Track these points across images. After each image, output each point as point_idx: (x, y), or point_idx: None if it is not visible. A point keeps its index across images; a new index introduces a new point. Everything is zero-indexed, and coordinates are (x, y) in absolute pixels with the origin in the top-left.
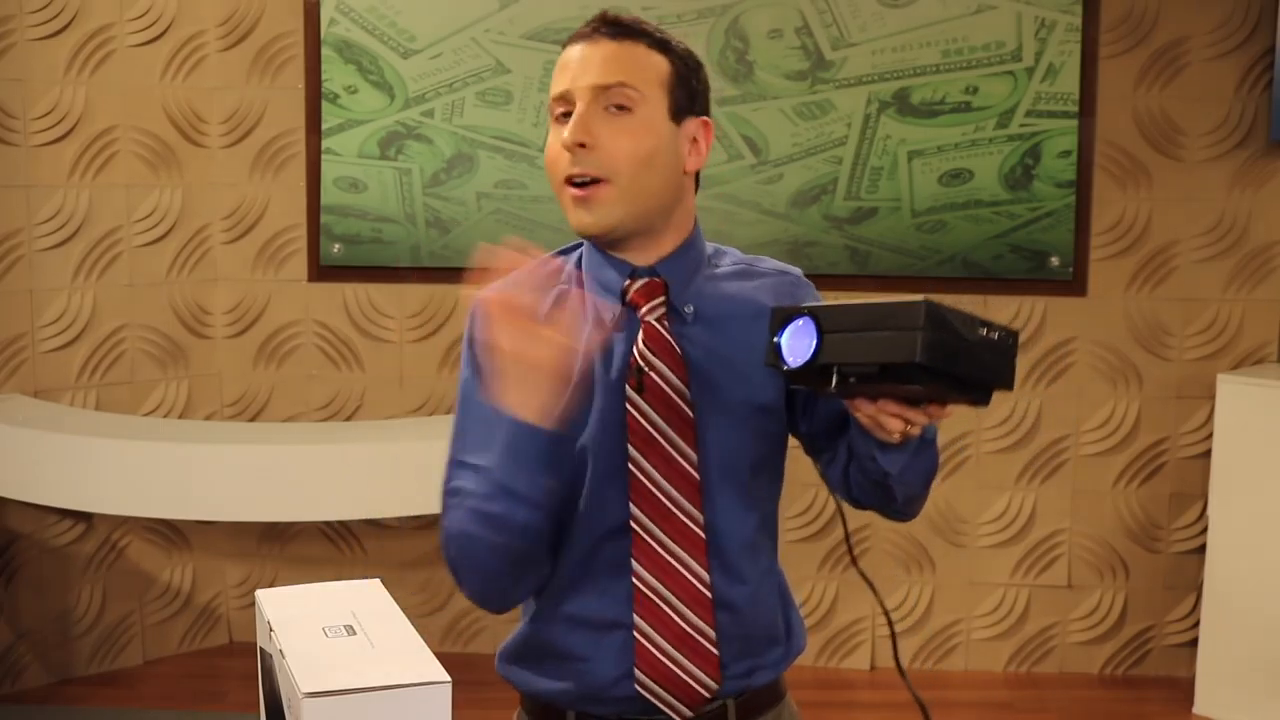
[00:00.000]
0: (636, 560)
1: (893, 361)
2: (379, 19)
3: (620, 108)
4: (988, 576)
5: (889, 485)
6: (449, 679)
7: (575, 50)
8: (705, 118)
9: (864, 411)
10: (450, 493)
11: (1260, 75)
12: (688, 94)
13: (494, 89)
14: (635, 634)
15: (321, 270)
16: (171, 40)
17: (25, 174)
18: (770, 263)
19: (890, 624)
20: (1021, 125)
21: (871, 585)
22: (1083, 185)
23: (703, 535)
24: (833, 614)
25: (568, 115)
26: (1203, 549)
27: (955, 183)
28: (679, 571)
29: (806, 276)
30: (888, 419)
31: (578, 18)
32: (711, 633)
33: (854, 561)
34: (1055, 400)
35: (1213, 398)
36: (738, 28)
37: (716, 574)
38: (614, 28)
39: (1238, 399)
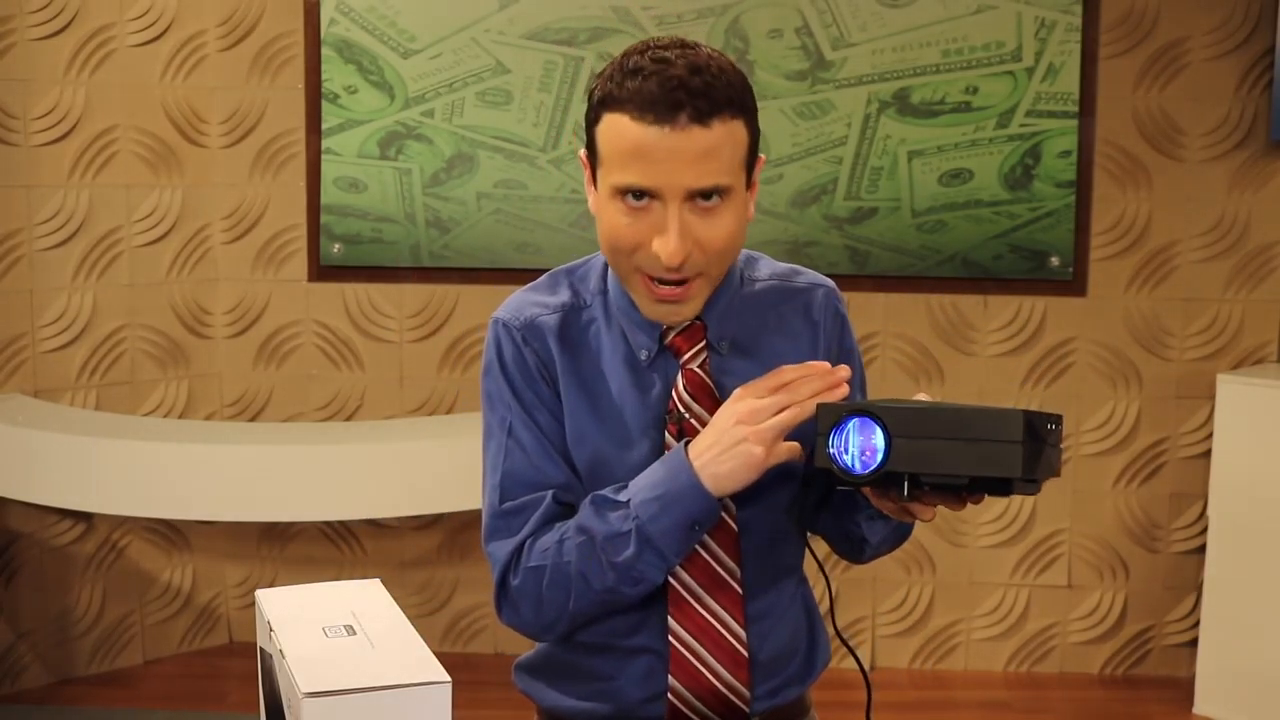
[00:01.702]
0: (673, 618)
1: (988, 475)
2: (379, 19)
3: (708, 196)
4: (988, 576)
5: (862, 547)
6: (449, 679)
7: (653, 134)
8: (761, 155)
9: (902, 503)
10: (540, 520)
11: (1260, 75)
12: (755, 149)
13: (494, 89)
14: (669, 694)
15: (321, 270)
16: (171, 40)
17: (25, 174)
18: (807, 276)
19: (868, 687)
20: (1021, 125)
21: (854, 654)
22: (1083, 185)
23: (739, 590)
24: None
25: (639, 196)
26: (1203, 549)
27: (955, 183)
28: (716, 630)
29: None
30: (925, 509)
31: (578, 17)
32: (746, 692)
33: (838, 632)
34: (1055, 400)
35: (1213, 398)
36: (738, 28)
37: (749, 605)
38: (700, 105)
39: (1238, 399)
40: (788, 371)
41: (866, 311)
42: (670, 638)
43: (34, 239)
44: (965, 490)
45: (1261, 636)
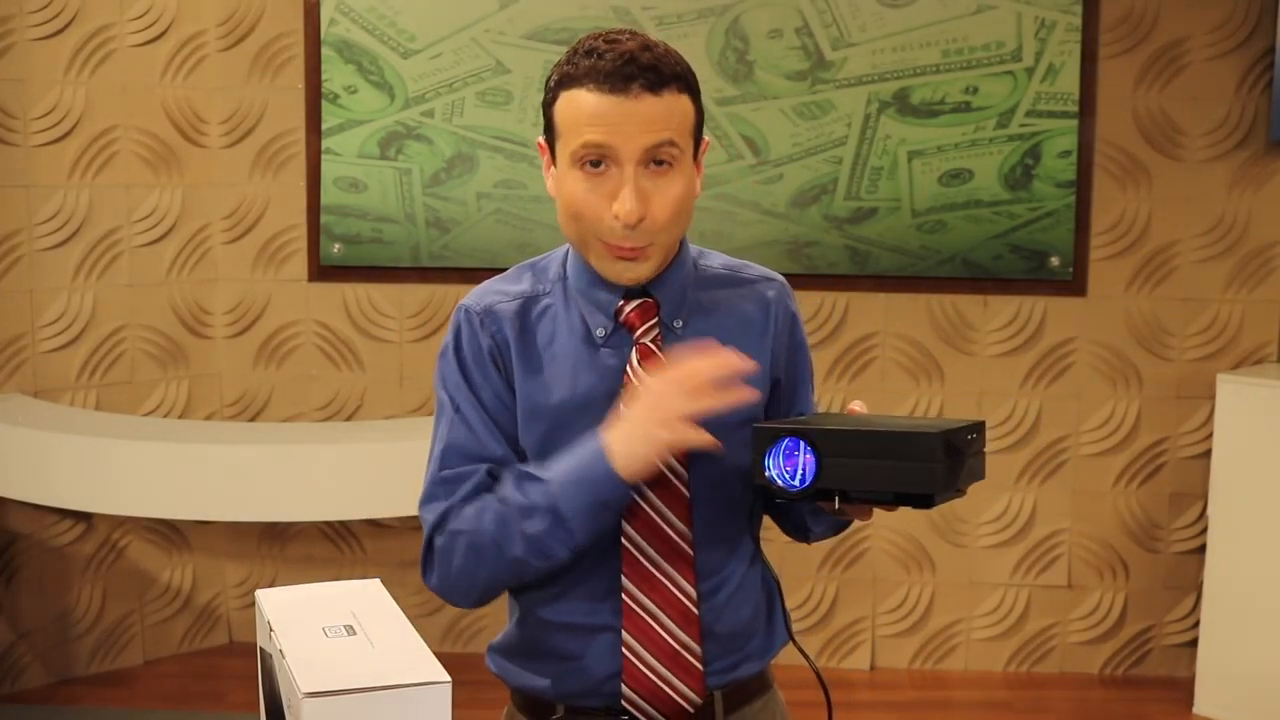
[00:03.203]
0: (626, 576)
1: (909, 492)
2: (379, 19)
3: (660, 162)
4: (988, 576)
5: (806, 535)
6: (449, 679)
7: (609, 102)
8: (706, 138)
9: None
10: (472, 489)
11: (1260, 75)
12: (701, 125)
13: (494, 89)
14: (624, 649)
15: (321, 270)
16: (171, 40)
17: (25, 174)
18: (755, 269)
19: (825, 690)
20: (1021, 125)
21: (807, 656)
22: (1083, 185)
23: (691, 552)
24: (833, 614)
25: (597, 163)
26: (1203, 549)
27: (955, 183)
28: (667, 588)
29: (807, 277)
30: (860, 512)
31: (578, 18)
32: (697, 648)
33: (791, 636)
34: (1055, 400)
35: (1213, 398)
36: (738, 28)
37: (702, 581)
38: (650, 76)
39: (1238, 399)
40: (696, 362)
41: (866, 311)
42: (624, 596)
43: (34, 239)
44: (890, 503)
45: (1261, 636)
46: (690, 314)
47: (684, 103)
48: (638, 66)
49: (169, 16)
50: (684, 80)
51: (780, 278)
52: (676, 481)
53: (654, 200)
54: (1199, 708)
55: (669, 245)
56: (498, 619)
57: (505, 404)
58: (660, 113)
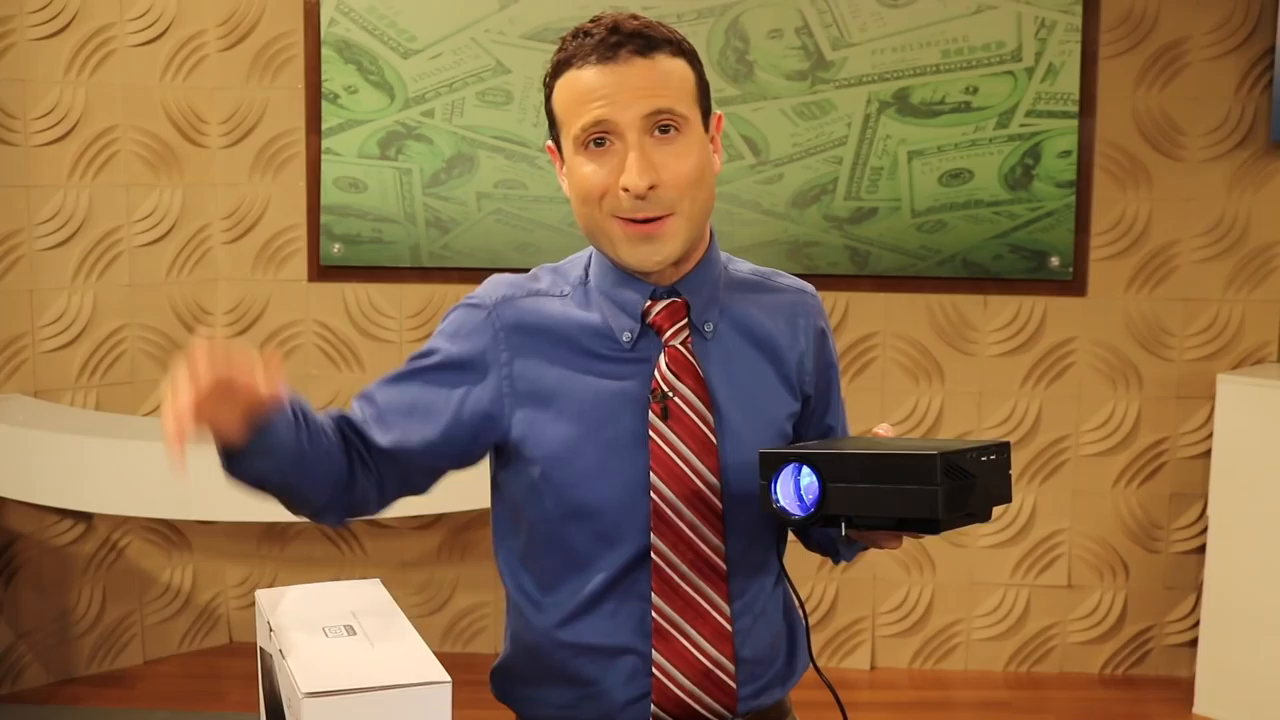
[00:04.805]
0: (656, 593)
1: (912, 516)
2: (379, 19)
3: (665, 129)
4: (988, 576)
5: (836, 558)
6: (449, 679)
7: (600, 73)
8: (718, 112)
9: (843, 538)
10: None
11: (1260, 75)
12: (706, 95)
13: (494, 89)
14: (654, 669)
15: (321, 270)
16: (171, 40)
17: (25, 174)
18: (786, 278)
19: (841, 707)
20: (1021, 125)
21: (828, 682)
22: (1083, 185)
23: (724, 565)
24: (833, 614)
25: (600, 142)
26: (1203, 549)
27: (955, 183)
28: (700, 605)
29: (807, 277)
30: (888, 539)
31: (578, 18)
32: (731, 666)
33: (813, 661)
34: (1055, 400)
35: (1213, 398)
36: (738, 28)
37: (731, 602)
38: (638, 41)
39: (1238, 399)
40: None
41: (866, 311)
42: (654, 614)
43: (34, 239)
44: (896, 529)
45: (1261, 636)
46: (721, 317)
47: (680, 66)
48: (624, 33)
49: (169, 16)
50: (676, 45)
51: (811, 289)
52: (707, 491)
53: (663, 168)
54: (1199, 708)
55: (691, 220)
56: (498, 619)
57: (441, 403)
58: (654, 76)
